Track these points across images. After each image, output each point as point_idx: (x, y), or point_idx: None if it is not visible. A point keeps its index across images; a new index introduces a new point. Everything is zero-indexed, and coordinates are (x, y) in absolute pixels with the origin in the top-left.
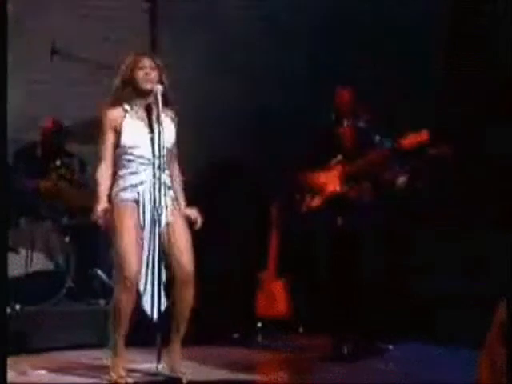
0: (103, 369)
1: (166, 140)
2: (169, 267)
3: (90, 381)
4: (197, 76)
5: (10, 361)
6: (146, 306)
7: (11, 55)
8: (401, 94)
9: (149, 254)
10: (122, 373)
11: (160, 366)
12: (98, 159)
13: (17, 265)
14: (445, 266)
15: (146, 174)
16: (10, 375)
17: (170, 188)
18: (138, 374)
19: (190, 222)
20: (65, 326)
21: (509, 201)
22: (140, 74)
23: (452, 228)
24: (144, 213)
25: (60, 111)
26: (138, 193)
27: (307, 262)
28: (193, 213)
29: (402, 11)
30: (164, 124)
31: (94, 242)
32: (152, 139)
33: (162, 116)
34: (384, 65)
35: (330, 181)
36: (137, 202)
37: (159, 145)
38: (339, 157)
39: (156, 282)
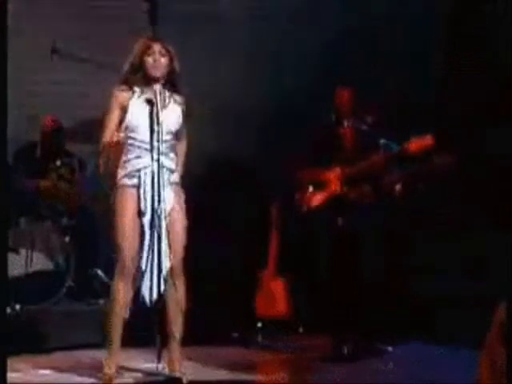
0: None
1: (170, 124)
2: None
3: (90, 381)
4: (196, 76)
5: (10, 361)
6: (145, 291)
7: (11, 55)
8: (401, 95)
9: (150, 240)
10: (112, 372)
11: (160, 366)
12: (101, 133)
13: (17, 265)
14: (445, 266)
15: (148, 159)
16: (10, 375)
17: (172, 172)
18: (138, 374)
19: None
20: (65, 325)
21: (509, 201)
22: (149, 60)
23: (452, 228)
24: (145, 198)
25: (60, 111)
26: (140, 178)
27: (307, 262)
28: None
29: (402, 11)
30: (169, 108)
31: (94, 242)
32: (155, 123)
33: (169, 100)
34: (384, 65)
35: (331, 181)
36: (138, 187)
37: (161, 129)
38: (339, 158)
39: (156, 268)
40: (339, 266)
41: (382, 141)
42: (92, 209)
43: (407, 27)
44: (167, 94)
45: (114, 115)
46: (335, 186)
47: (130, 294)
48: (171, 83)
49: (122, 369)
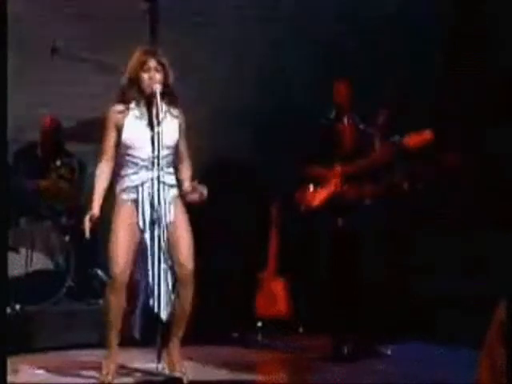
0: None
1: (167, 138)
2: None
3: (90, 381)
4: (196, 76)
5: (10, 361)
6: (154, 306)
7: (11, 55)
8: (401, 94)
9: (152, 255)
10: (110, 373)
11: (160, 366)
12: (99, 155)
13: (17, 265)
14: (445, 266)
15: (146, 174)
16: (10, 375)
17: (171, 186)
18: (138, 374)
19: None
20: (65, 325)
21: (509, 201)
22: (145, 76)
23: (452, 228)
24: (143, 213)
25: (60, 111)
26: (138, 193)
27: (307, 262)
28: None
29: (403, 11)
30: (165, 122)
31: (94, 242)
32: (152, 138)
33: (165, 114)
34: (384, 65)
35: (331, 179)
36: (136, 202)
37: (159, 144)
38: (339, 155)
39: (163, 283)
40: (339, 265)
41: (396, 137)
42: None
43: (407, 27)
44: (164, 108)
45: (110, 137)
46: (335, 184)
47: (122, 303)
48: (167, 97)
49: (122, 369)
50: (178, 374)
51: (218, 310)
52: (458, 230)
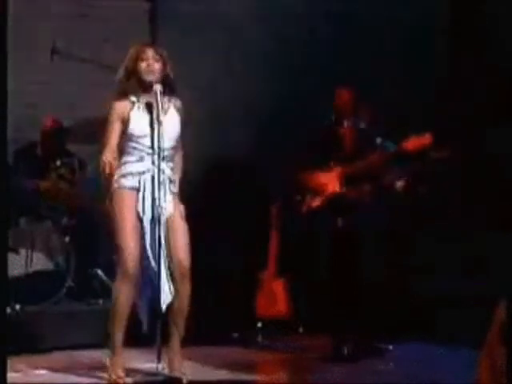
0: (103, 369)
1: (170, 131)
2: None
3: (90, 381)
4: (196, 76)
5: (10, 361)
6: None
7: (11, 55)
8: (401, 95)
9: (151, 245)
10: (121, 373)
11: (160, 366)
12: (102, 147)
13: (17, 265)
14: (445, 266)
15: (149, 163)
16: (10, 375)
17: (171, 182)
18: (138, 374)
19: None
20: (65, 325)
21: (509, 201)
22: (142, 65)
23: (452, 228)
24: (144, 202)
25: (60, 111)
26: (139, 181)
27: (307, 262)
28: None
29: (403, 11)
30: (169, 115)
31: (94, 242)
32: (157, 130)
33: (168, 106)
34: (385, 65)
35: (330, 181)
36: (137, 190)
37: (163, 134)
38: (339, 157)
39: (162, 273)
40: (339, 265)
41: (378, 140)
42: (92, 209)
43: (407, 27)
44: (166, 98)
45: (115, 127)
46: (335, 186)
47: (133, 295)
48: (168, 88)
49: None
50: (177, 374)
51: (218, 310)
52: (458, 230)
